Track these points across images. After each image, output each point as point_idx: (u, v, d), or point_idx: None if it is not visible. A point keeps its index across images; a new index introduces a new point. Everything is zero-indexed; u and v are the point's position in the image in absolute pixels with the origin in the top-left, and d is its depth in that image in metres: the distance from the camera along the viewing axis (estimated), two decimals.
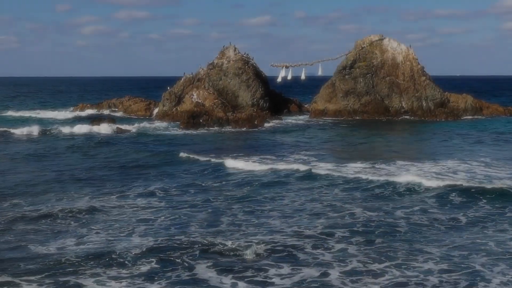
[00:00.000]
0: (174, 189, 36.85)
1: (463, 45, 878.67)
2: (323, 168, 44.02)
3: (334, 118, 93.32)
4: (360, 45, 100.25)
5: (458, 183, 36.24)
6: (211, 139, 65.01)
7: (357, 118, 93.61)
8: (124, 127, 75.07)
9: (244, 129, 76.93)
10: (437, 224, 28.13)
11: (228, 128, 78.09)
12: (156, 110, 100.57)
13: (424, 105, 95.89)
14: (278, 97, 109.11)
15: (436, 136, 66.91)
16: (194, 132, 73.39)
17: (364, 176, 39.91)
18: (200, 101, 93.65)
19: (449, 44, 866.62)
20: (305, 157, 50.03)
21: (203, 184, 38.53)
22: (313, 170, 42.62)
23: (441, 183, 36.42)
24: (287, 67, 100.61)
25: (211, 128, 77.45)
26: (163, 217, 29.84)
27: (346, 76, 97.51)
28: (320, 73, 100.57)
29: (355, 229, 27.45)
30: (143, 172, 43.05)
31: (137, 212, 30.89)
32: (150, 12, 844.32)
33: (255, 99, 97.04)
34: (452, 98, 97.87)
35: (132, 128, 75.40)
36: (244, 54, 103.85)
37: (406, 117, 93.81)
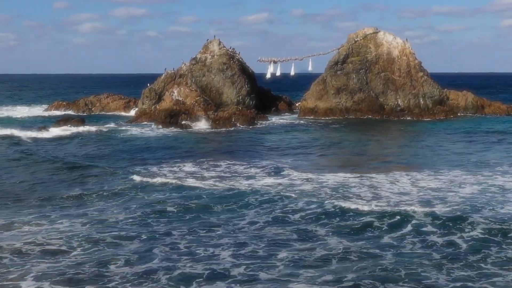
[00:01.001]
0: (96, 209, 29.86)
1: (462, 43, 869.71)
2: (296, 179, 37.26)
3: (324, 117, 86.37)
4: (353, 38, 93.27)
5: (476, 217, 26.82)
6: (182, 141, 57.92)
7: (350, 117, 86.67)
8: (86, 128, 67.56)
9: (224, 129, 69.95)
10: None
11: (208, 128, 71.04)
12: (136, 109, 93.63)
13: (422, 103, 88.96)
14: (266, 95, 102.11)
15: (435, 137, 60.06)
16: (168, 132, 66.37)
17: (345, 190, 32.97)
18: (180, 98, 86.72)
19: (448, 41, 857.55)
20: (280, 165, 42.96)
21: (134, 203, 31.47)
22: (280, 182, 35.84)
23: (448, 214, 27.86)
24: (275, 62, 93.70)
25: (189, 129, 70.35)
26: (79, 249, 22.95)
27: (338, 72, 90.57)
28: (310, 68, 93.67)
29: (328, 267, 20.59)
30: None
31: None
32: (148, 10, 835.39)
33: (240, 97, 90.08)
34: (452, 95, 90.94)
35: (98, 128, 68.14)
36: (230, 48, 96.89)
37: (402, 116, 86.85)
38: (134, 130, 67.03)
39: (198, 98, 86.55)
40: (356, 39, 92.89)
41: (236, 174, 39.45)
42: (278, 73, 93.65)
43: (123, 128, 68.84)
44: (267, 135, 63.42)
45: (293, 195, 31.66)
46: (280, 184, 35.82)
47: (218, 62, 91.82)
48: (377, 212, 27.74)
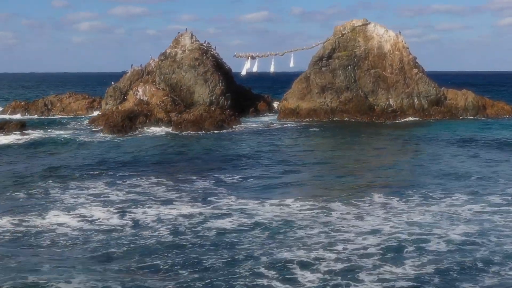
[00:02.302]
0: None
1: (461, 41, 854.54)
2: (224, 209, 27.42)
3: (307, 119, 76.33)
4: (340, 31, 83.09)
5: None
6: (122, 151, 47.73)
7: (336, 118, 76.58)
8: (19, 136, 57.01)
9: (186, 134, 59.85)
10: None
11: (168, 133, 60.94)
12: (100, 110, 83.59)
13: (416, 103, 78.85)
14: (246, 94, 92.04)
15: (430, 145, 50.00)
16: (118, 139, 56.32)
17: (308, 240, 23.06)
18: (145, 98, 76.56)
19: (447, 40, 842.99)
20: (219, 186, 33.17)
21: None
22: (201, 211, 25.76)
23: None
24: (253, 58, 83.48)
25: (146, 134, 60.21)
26: None
27: (323, 69, 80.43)
28: (292, 65, 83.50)
29: None
30: None
31: None
32: (147, 8, 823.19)
33: (214, 96, 79.95)
34: (450, 94, 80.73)
35: (35, 136, 57.64)
36: (204, 42, 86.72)
37: (394, 118, 76.70)
38: (82, 137, 56.80)
39: (166, 98, 76.43)
40: (343, 32, 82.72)
41: (152, 197, 29.82)
42: (255, 69, 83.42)
43: (65, 135, 58.46)
44: (231, 142, 53.40)
45: (185, 242, 21.76)
46: (198, 214, 26.04)
47: (189, 58, 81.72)
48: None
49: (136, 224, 24.94)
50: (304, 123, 71.61)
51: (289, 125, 69.46)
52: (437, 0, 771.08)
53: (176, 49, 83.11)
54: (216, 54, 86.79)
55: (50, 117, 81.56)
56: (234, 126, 65.74)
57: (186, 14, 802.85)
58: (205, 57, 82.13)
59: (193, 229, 23.93)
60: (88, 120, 73.61)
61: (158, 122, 65.02)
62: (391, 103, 79.02)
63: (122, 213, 26.54)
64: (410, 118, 76.09)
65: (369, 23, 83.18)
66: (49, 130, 62.01)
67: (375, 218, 25.62)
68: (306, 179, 35.60)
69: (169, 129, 62.59)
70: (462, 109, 78.83)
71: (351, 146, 50.61)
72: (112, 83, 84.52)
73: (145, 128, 63.61)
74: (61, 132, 61.40)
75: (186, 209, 26.98)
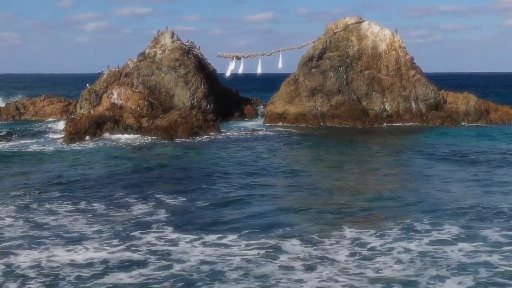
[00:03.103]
0: None
1: (466, 42, 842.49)
2: (152, 249, 20.74)
3: (295, 125, 69.81)
4: (331, 29, 76.49)
5: None
6: (71, 163, 41.21)
7: (326, 124, 69.97)
8: None
9: (153, 142, 53.35)
10: None
11: (136, 141, 54.45)
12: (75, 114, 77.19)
13: (414, 107, 72.23)
14: (233, 97, 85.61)
15: (426, 158, 43.33)
16: (79, 147, 49.94)
17: None
18: (120, 101, 70.17)
19: (452, 40, 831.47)
20: (158, 213, 26.52)
21: None
22: (110, 257, 19.30)
23: None
24: (238, 58, 76.94)
25: (112, 142, 53.72)
26: None
27: (313, 70, 73.86)
28: (280, 65, 76.88)
29: None
30: None
31: None
32: (151, 9, 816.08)
33: (195, 99, 73.53)
34: (450, 97, 74.01)
35: None
36: (187, 41, 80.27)
37: (389, 123, 70.13)
38: (35, 147, 50.43)
39: (142, 101, 70.02)
40: (335, 31, 76.10)
41: (59, 233, 23.45)
42: (240, 71, 76.87)
43: (18, 144, 52.04)
44: (199, 153, 46.84)
45: None
46: (100, 262, 19.63)
47: (169, 58, 75.28)
48: None
49: (4, 273, 18.51)
50: (290, 129, 65.07)
51: (273, 131, 62.87)
52: (442, 1, 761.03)
53: (155, 49, 76.71)
54: (199, 55, 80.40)
55: (20, 121, 75.20)
56: (211, 133, 59.10)
57: (191, 15, 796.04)
58: (186, 57, 75.68)
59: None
60: (62, 125, 67.22)
61: (127, 129, 58.47)
62: (386, 107, 72.43)
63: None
64: (405, 124, 69.39)
65: (363, 20, 76.57)
66: (8, 137, 55.55)
67: (330, 269, 19.14)
68: (267, 204, 28.98)
69: (138, 137, 56.02)
70: (463, 113, 72.13)
71: (334, 159, 43.93)
72: (87, 85, 78.16)
73: (112, 136, 57.07)
74: (23, 141, 54.89)
75: (89, 254, 20.49)
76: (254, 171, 38.11)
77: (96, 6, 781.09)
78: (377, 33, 75.58)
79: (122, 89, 71.45)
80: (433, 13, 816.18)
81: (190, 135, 56.60)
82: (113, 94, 71.04)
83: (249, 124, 72.32)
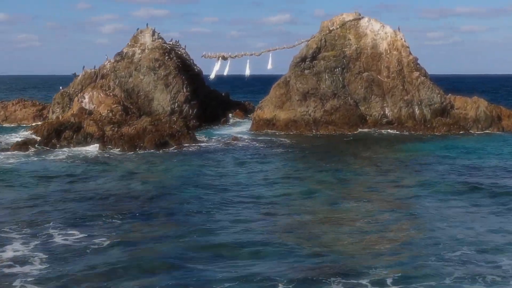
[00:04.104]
0: None
1: (486, 43, 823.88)
2: None
3: (285, 132, 61.98)
4: (327, 27, 68.50)
5: None
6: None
7: (319, 132, 62.04)
8: None
9: (111, 154, 45.58)
10: None
11: (95, 152, 46.72)
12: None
13: (417, 112, 64.16)
14: (222, 101, 77.83)
15: (423, 184, 34.77)
16: (27, 158, 42.39)
17: None
18: (92, 106, 62.68)
19: (471, 42, 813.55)
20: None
21: None
22: None
23: None
24: (224, 58, 69.05)
25: (64, 154, 46.05)
26: None
27: (306, 71, 65.91)
28: (269, 66, 68.90)
29: None
30: None
31: None
32: (169, 11, 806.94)
33: (176, 104, 65.97)
34: (458, 102, 65.76)
35: None
36: (171, 40, 72.58)
37: (390, 130, 62.10)
38: None
39: (115, 106, 62.50)
40: (331, 28, 68.08)
41: None
42: (225, 73, 68.97)
43: None
44: (150, 170, 38.98)
45: None
46: None
47: (148, 59, 67.66)
48: None
49: None
50: (277, 138, 57.20)
51: (257, 140, 55.01)
52: (460, 2, 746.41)
53: (134, 48, 69.08)
54: (184, 55, 72.76)
55: None
56: (185, 144, 51.31)
57: (208, 17, 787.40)
58: (167, 57, 68.01)
59: None
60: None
61: (87, 138, 50.79)
62: (386, 112, 64.39)
63: None
64: (407, 133, 61.37)
65: (362, 17, 68.53)
66: None
67: None
68: (175, 251, 21.16)
69: (96, 148, 48.36)
70: (472, 120, 63.86)
71: (313, 180, 35.79)
72: (61, 88, 70.77)
73: (70, 146, 49.42)
74: None
75: None
76: (200, 195, 30.28)
77: (113, 8, 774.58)
78: (378, 31, 67.56)
79: (95, 93, 63.96)
80: (450, 15, 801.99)
81: (157, 145, 48.77)
82: (84, 98, 63.65)
83: (235, 130, 64.56)
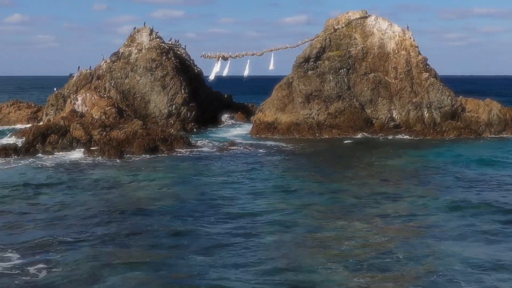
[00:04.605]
0: None
1: (505, 45, 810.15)
2: None
3: (286, 136, 58.51)
4: (332, 25, 64.84)
5: None
6: None
7: (323, 136, 58.51)
8: None
9: (96, 160, 42.19)
10: None
11: (77, 159, 43.36)
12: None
13: (426, 115, 60.39)
14: (224, 103, 74.35)
15: (452, 189, 31.51)
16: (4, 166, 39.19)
17: None
18: (85, 108, 59.53)
19: (490, 43, 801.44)
20: None
21: None
22: None
23: None
24: (224, 58, 65.56)
25: (46, 160, 42.78)
26: None
27: (309, 72, 62.30)
28: (271, 67, 65.38)
29: None
30: None
31: None
32: (186, 12, 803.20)
33: (173, 106, 62.74)
34: (469, 105, 61.86)
35: None
36: (170, 40, 69.29)
37: (398, 136, 58.38)
38: None
39: (109, 108, 59.30)
40: (336, 27, 64.41)
41: None
42: (225, 73, 65.45)
43: None
44: (140, 179, 35.56)
45: None
46: None
47: (145, 59, 64.41)
48: None
49: None
50: (276, 143, 53.69)
51: (255, 145, 51.45)
52: (479, 3, 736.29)
53: (130, 48, 65.83)
54: (183, 55, 69.47)
55: None
56: (177, 149, 47.90)
57: (225, 18, 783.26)
58: (165, 57, 64.73)
59: None
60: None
61: (72, 143, 47.50)
62: (394, 115, 60.66)
63: None
64: (415, 137, 57.65)
65: (368, 15, 64.81)
66: None
67: None
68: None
69: (80, 154, 45.05)
70: (485, 124, 60.00)
71: (303, 193, 32.01)
72: (55, 89, 67.68)
73: (54, 152, 46.15)
74: None
75: None
76: (179, 212, 26.77)
77: (130, 9, 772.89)
78: (385, 30, 63.83)
79: (88, 94, 60.82)
80: (469, 15, 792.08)
81: (146, 151, 45.42)
82: (77, 100, 60.55)
83: (234, 133, 61.24)
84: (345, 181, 34.85)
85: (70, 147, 46.82)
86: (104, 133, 48.56)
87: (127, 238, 22.70)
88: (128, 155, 44.69)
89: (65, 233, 23.29)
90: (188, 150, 47.86)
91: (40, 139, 48.48)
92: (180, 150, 47.64)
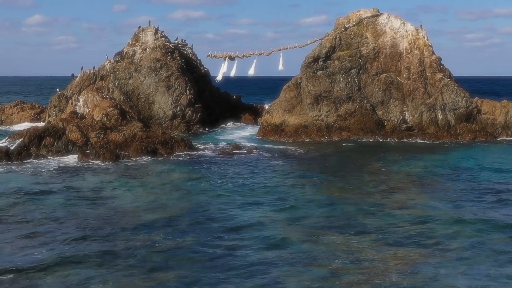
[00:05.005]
0: None
1: None
2: None
3: (294, 139, 55.94)
4: (342, 24, 62.20)
5: None
6: None
7: (332, 138, 55.97)
8: None
9: (89, 165, 39.90)
10: None
11: (69, 164, 41.11)
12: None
13: (440, 117, 57.60)
14: (232, 104, 71.92)
15: (464, 202, 29.00)
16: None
17: None
18: (87, 109, 57.42)
19: (510, 43, 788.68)
20: None
21: None
22: None
23: None
24: (231, 58, 63.15)
25: (32, 165, 40.55)
26: None
27: (319, 72, 59.74)
28: (281, 67, 62.87)
29: None
30: None
31: None
32: (205, 12, 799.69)
33: (178, 107, 60.49)
34: (485, 107, 58.96)
35: None
36: (176, 39, 66.99)
37: (409, 138, 55.63)
38: None
39: (111, 109, 57.01)
40: (347, 25, 61.76)
41: None
42: (232, 73, 63.08)
43: None
44: (131, 186, 33.31)
45: None
46: None
47: (149, 58, 62.18)
48: None
49: None
50: (282, 146, 51.18)
51: (261, 149, 48.88)
52: (499, 3, 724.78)
53: (134, 48, 63.63)
54: (190, 55, 67.17)
55: None
56: (179, 152, 45.58)
57: (245, 18, 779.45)
58: (170, 57, 62.47)
59: None
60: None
61: (68, 146, 45.25)
62: (406, 117, 57.92)
63: None
64: (428, 140, 54.89)
65: (380, 14, 62.10)
66: None
67: None
68: None
69: (75, 158, 42.84)
70: (501, 126, 57.11)
71: (300, 202, 29.69)
72: (58, 90, 65.66)
73: (49, 155, 43.91)
74: None
75: None
76: (156, 227, 24.41)
77: (150, 10, 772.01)
78: (398, 29, 61.08)
79: (90, 95, 58.66)
80: (490, 16, 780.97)
81: (144, 154, 43.18)
82: (78, 101, 58.48)
83: (240, 136, 58.84)
84: (347, 191, 32.31)
85: (65, 150, 44.50)
86: (102, 135, 46.28)
87: (100, 259, 20.35)
88: (124, 159, 42.35)
89: (37, 251, 21.00)
90: (189, 153, 45.54)
91: (36, 142, 46.27)
92: (180, 153, 45.33)
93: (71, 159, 42.46)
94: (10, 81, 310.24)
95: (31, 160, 42.12)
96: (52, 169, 38.67)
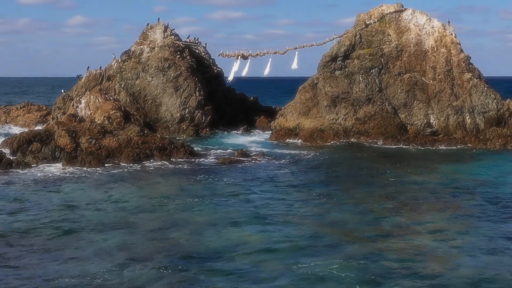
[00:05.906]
0: None
1: None
2: None
3: (309, 144, 51.00)
4: (363, 20, 56.95)
5: None
6: None
7: (351, 140, 50.92)
8: None
9: (74, 172, 35.41)
10: None
11: (55, 172, 36.59)
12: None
13: (468, 121, 52.00)
14: (248, 105, 67.00)
15: (489, 222, 24.20)
16: None
17: None
18: (88, 112, 53.25)
19: None
20: None
21: None
22: None
23: None
24: (244, 57, 58.34)
25: (10, 175, 36.04)
26: None
27: (337, 72, 54.60)
28: (295, 66, 57.87)
29: None
30: None
31: None
32: (245, 13, 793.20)
33: (187, 110, 55.97)
34: None
35: None
36: (188, 38, 62.44)
37: (434, 144, 50.12)
38: None
39: (114, 112, 52.85)
40: (368, 22, 56.48)
41: None
42: (244, 73, 58.26)
43: None
44: (111, 199, 28.69)
45: None
46: None
47: (157, 58, 57.71)
48: None
49: None
50: (295, 151, 46.42)
51: (269, 155, 44.05)
52: None
53: (142, 46, 59.22)
54: (202, 53, 62.48)
55: None
56: (177, 158, 40.93)
57: (284, 19, 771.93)
58: (179, 56, 57.96)
59: None
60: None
61: (55, 152, 40.81)
62: (431, 121, 52.50)
63: None
64: (454, 146, 49.37)
65: (405, 9, 56.75)
66: None
67: None
68: None
69: (59, 166, 38.37)
70: None
71: (310, 222, 24.87)
72: (62, 91, 61.67)
73: (33, 163, 39.44)
74: None
75: None
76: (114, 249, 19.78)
77: (190, 10, 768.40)
78: (423, 25, 55.63)
79: (92, 97, 54.52)
80: None
81: (136, 161, 38.77)
82: (80, 103, 54.36)
83: (252, 139, 54.11)
84: (355, 208, 27.28)
85: (51, 157, 40.05)
86: (94, 140, 41.74)
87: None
88: (114, 167, 37.81)
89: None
90: (187, 160, 40.89)
91: (25, 148, 42.05)
92: (177, 160, 40.69)
93: (56, 167, 37.93)
94: (58, 81, 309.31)
95: (11, 170, 37.28)
96: (25, 180, 33.77)
